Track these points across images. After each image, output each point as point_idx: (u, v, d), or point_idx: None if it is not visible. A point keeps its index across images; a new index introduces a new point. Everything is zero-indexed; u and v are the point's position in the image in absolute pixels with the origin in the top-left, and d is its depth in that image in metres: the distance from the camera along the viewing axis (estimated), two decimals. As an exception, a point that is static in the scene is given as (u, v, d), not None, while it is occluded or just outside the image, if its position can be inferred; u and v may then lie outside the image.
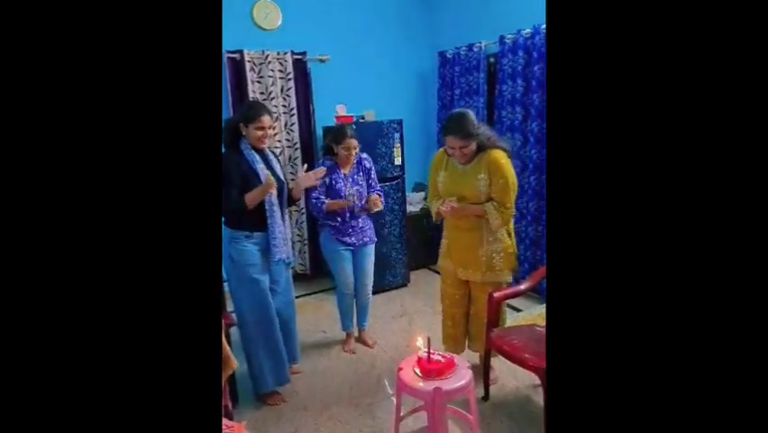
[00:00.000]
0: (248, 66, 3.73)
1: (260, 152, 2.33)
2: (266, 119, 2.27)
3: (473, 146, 2.26)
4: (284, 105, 3.91)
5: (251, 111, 2.28)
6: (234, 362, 1.93)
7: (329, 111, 3.92)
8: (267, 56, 3.77)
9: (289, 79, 3.89)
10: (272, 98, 3.83)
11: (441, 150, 2.47)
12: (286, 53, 3.86)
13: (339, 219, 2.81)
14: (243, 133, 2.28)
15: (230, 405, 2.17)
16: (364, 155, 2.91)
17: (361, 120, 3.90)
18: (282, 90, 3.90)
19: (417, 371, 1.90)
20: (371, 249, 2.98)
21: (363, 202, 2.84)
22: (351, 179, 2.83)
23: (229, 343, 2.11)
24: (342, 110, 3.90)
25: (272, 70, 3.81)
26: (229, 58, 3.70)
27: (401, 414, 2.06)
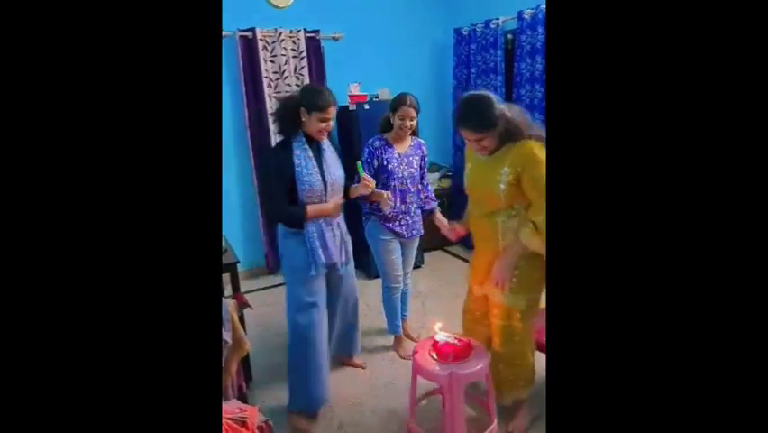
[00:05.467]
0: (260, 45, 3.67)
1: (315, 144, 2.11)
2: (333, 110, 2.04)
3: (494, 137, 1.81)
4: (297, 85, 3.84)
5: (320, 98, 2.01)
6: (247, 344, 1.93)
7: (342, 90, 3.84)
8: (279, 34, 3.71)
9: (302, 58, 3.82)
10: (285, 78, 3.77)
11: None
12: (299, 31, 3.79)
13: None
14: (303, 120, 2.04)
15: (244, 386, 2.17)
16: (422, 141, 2.62)
17: (375, 99, 3.83)
18: (295, 69, 3.83)
19: (433, 354, 1.87)
20: (417, 242, 2.72)
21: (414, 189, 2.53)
22: (405, 160, 2.49)
23: (243, 325, 2.10)
24: (355, 89, 3.82)
25: (285, 49, 3.74)
26: (241, 36, 3.63)
27: (417, 396, 2.04)
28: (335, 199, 2.15)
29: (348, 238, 2.29)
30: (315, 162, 2.06)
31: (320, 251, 2.10)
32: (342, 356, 2.58)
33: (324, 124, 2.04)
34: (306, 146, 2.07)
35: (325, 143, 2.16)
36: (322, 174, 2.08)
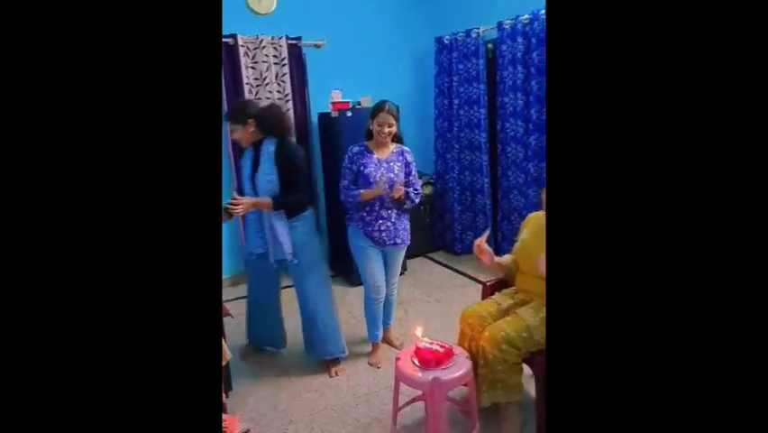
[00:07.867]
0: (241, 51, 3.65)
1: (256, 150, 2.48)
2: (229, 123, 2.53)
3: None
4: (279, 92, 3.83)
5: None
6: (228, 353, 1.90)
7: (325, 97, 3.85)
8: (261, 41, 3.69)
9: (284, 65, 3.81)
10: (267, 84, 3.75)
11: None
12: (280, 38, 3.78)
13: (368, 208, 2.48)
14: None
15: (223, 396, 2.13)
16: (406, 149, 2.58)
17: (357, 106, 3.83)
18: (277, 76, 3.82)
19: (416, 361, 1.87)
20: (403, 252, 2.68)
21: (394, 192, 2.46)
22: (385, 165, 2.47)
23: (223, 334, 2.07)
24: (337, 96, 3.82)
25: (266, 56, 3.73)
26: (222, 42, 3.61)
27: (400, 403, 2.03)
28: (257, 199, 2.41)
29: (280, 233, 2.45)
30: (250, 164, 2.48)
31: (244, 239, 2.62)
32: (318, 360, 2.64)
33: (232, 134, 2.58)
34: (251, 151, 2.50)
35: (266, 150, 2.42)
36: (252, 175, 2.46)
